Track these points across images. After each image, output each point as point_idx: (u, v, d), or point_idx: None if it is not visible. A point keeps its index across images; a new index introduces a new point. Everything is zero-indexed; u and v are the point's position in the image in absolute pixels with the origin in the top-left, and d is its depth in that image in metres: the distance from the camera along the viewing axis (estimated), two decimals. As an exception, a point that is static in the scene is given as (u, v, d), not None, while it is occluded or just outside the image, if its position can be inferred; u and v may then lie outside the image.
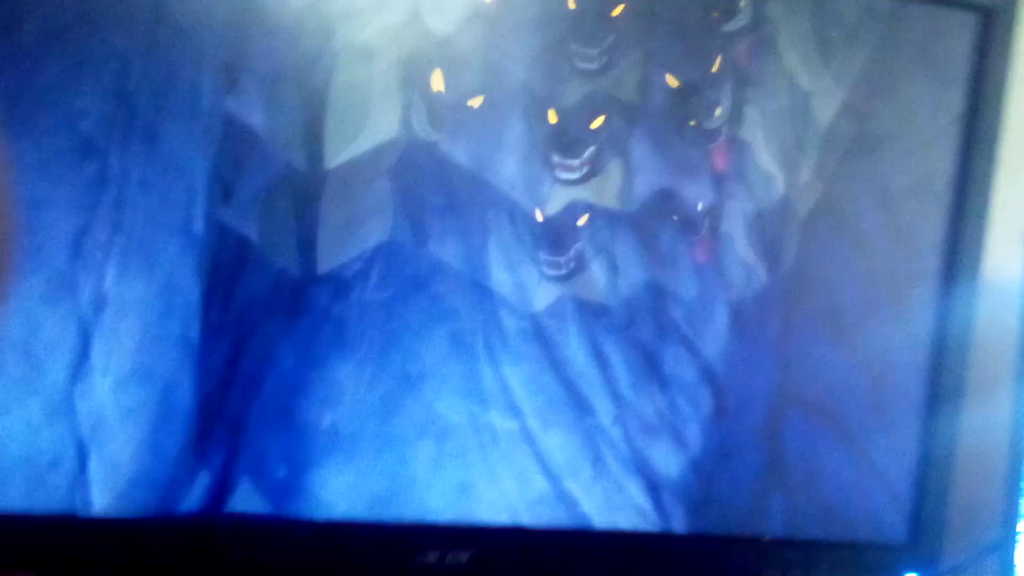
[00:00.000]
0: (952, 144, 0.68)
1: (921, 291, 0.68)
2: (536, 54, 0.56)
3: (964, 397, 0.68)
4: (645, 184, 0.59)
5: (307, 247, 0.54)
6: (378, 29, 0.54)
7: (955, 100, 0.68)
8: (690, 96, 0.59)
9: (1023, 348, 0.68)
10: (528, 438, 0.59)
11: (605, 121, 0.57)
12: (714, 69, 0.60)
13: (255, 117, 0.53)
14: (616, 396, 0.60)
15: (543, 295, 0.58)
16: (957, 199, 0.68)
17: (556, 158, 0.57)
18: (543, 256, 0.57)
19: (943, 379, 0.68)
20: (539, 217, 0.57)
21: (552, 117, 0.56)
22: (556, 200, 0.58)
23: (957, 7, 0.67)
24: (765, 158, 0.61)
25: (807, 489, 0.68)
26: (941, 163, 0.68)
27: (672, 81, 0.58)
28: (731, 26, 0.59)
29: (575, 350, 0.59)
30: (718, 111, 0.59)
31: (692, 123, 0.59)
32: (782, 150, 0.62)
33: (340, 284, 0.55)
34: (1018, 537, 0.67)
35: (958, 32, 0.67)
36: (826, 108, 0.63)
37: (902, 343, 0.68)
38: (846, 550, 0.68)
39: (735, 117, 0.60)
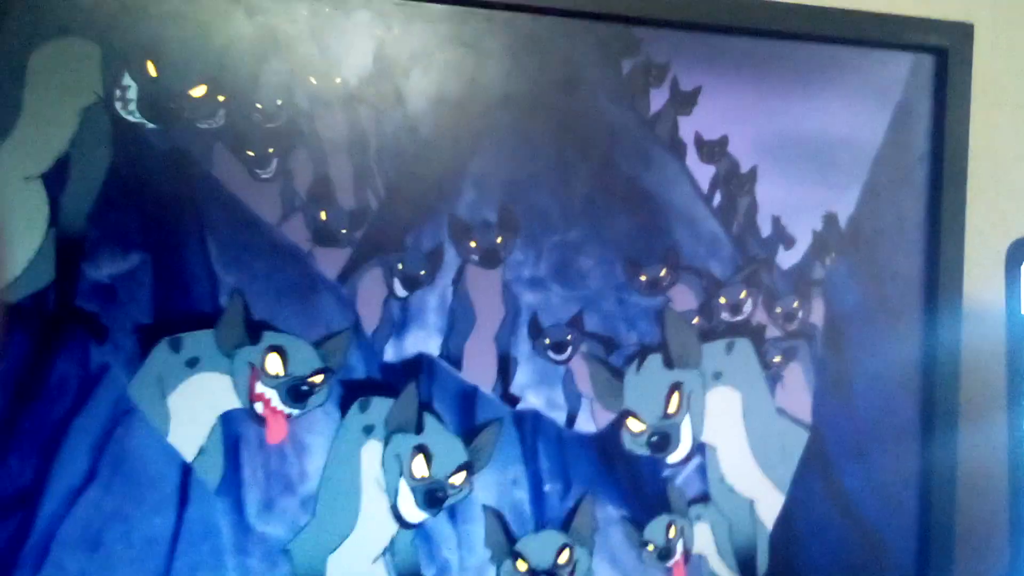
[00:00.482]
0: (921, 181, 0.70)
1: (908, 324, 0.71)
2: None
3: (959, 427, 0.71)
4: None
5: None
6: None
7: (920, 139, 0.70)
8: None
9: (1012, 370, 0.68)
10: None
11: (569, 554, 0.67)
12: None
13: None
14: None
15: None
16: (933, 231, 0.71)
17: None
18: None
19: (938, 410, 0.71)
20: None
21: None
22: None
23: (914, 50, 0.70)
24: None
25: (812, 532, 0.70)
26: (913, 200, 0.70)
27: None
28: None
29: None
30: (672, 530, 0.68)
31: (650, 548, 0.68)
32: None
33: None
34: (1027, 566, 0.67)
35: (917, 74, 0.71)
36: (770, 511, 0.70)
37: (895, 379, 0.71)
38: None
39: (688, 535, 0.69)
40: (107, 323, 0.59)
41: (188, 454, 0.60)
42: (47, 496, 0.58)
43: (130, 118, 0.60)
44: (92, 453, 0.59)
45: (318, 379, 0.62)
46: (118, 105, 0.59)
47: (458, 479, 0.64)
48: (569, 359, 0.66)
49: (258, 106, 0.61)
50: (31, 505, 0.58)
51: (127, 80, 0.59)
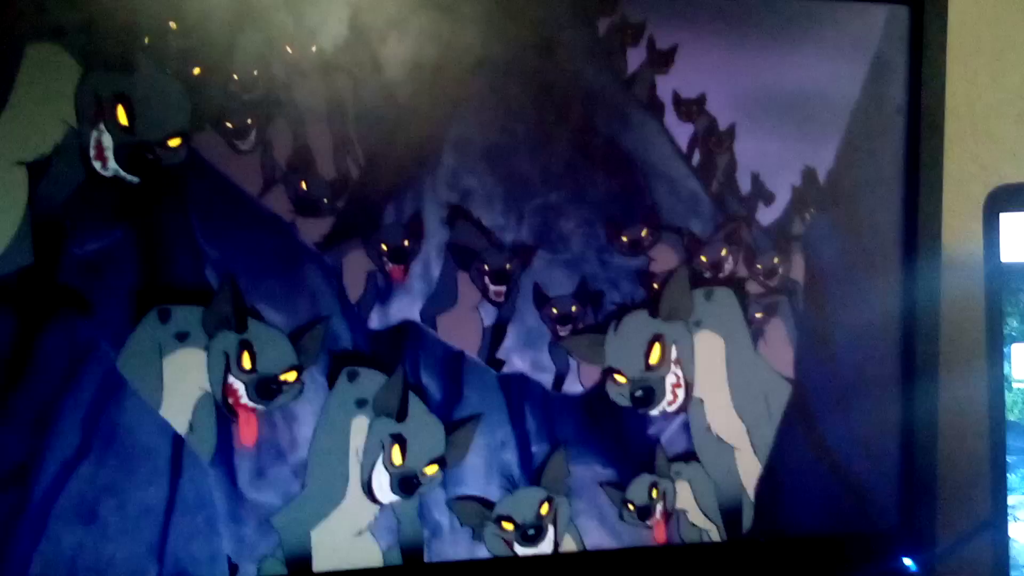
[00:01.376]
0: (899, 132, 0.71)
1: (888, 278, 0.71)
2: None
3: (939, 376, 0.72)
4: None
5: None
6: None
7: (897, 90, 0.70)
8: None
9: (991, 317, 0.69)
10: None
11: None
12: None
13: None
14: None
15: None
16: (911, 183, 0.71)
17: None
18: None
19: (919, 360, 0.72)
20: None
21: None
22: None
23: (888, 1, 0.70)
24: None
25: (796, 485, 0.71)
26: (891, 152, 0.71)
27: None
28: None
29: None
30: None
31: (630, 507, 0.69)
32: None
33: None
34: (1010, 511, 0.67)
35: (892, 25, 0.71)
36: (753, 465, 0.71)
37: (876, 330, 0.72)
38: (840, 542, 0.69)
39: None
40: (93, 299, 0.59)
41: (180, 427, 0.61)
42: (41, 472, 0.59)
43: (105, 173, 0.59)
44: (84, 428, 0.59)
45: (290, 376, 0.62)
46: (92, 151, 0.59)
47: (431, 470, 0.65)
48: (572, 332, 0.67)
49: (235, 77, 0.61)
50: (25, 481, 0.59)
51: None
